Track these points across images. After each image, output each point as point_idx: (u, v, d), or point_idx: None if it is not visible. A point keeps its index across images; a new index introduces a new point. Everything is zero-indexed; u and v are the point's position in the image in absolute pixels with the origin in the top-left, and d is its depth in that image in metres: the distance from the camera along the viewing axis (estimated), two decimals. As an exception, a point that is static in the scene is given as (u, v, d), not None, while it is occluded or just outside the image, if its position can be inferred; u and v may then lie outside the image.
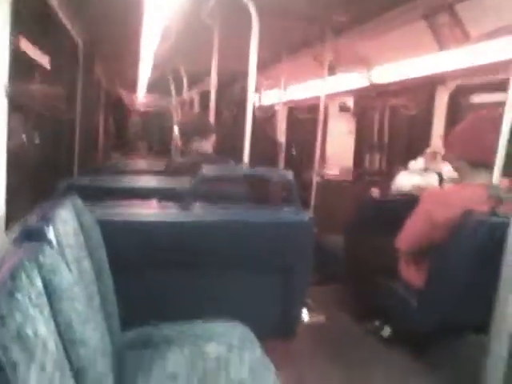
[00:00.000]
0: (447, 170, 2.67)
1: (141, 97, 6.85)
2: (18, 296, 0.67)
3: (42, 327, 0.70)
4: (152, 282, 1.53)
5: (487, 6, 2.34)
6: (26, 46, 2.58)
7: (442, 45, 2.84)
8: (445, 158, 2.62)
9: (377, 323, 2.43)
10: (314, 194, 3.41)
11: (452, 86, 3.31)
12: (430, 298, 1.89)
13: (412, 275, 2.07)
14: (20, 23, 1.95)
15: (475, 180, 1.87)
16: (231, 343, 1.35)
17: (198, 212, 1.58)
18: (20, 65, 2.36)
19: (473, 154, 1.88)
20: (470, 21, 2.55)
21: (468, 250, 1.73)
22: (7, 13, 1.50)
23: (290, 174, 1.62)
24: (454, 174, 2.53)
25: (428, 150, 3.06)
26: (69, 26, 2.96)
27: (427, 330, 1.97)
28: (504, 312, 1.23)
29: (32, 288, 0.73)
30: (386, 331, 2.36)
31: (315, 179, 3.47)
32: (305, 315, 2.72)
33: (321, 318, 2.73)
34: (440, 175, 2.51)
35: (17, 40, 2.17)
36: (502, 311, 1.25)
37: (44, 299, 0.76)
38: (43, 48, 2.99)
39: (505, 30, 2.29)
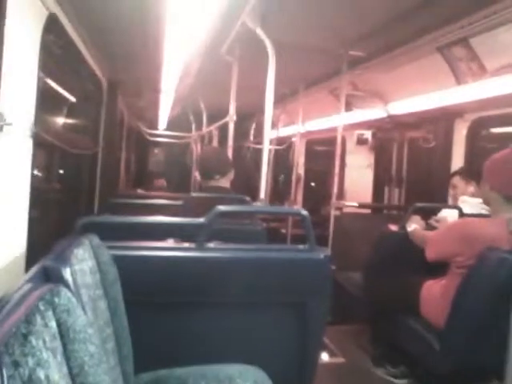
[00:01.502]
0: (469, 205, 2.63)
1: (162, 133, 7.02)
2: (32, 340, 0.68)
3: (54, 371, 0.70)
4: (166, 323, 1.52)
5: (502, 41, 2.35)
6: (54, 84, 2.71)
7: (458, 78, 2.85)
8: (477, 190, 2.59)
9: (392, 369, 2.37)
10: (331, 228, 3.38)
11: (470, 118, 3.30)
12: (450, 338, 1.83)
13: (433, 313, 2.01)
14: (49, 64, 2.05)
15: (507, 214, 1.84)
16: (245, 387, 1.32)
17: (213, 249, 1.58)
18: (47, 102, 2.46)
19: (506, 186, 1.85)
20: (486, 54, 2.56)
21: (488, 288, 1.68)
22: (36, 55, 1.58)
23: (304, 211, 1.61)
24: (476, 210, 2.49)
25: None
26: (94, 67, 3.09)
27: (448, 372, 1.89)
28: None
29: (46, 331, 0.73)
30: (403, 381, 2.30)
31: (333, 213, 3.45)
32: (324, 356, 2.65)
33: (339, 359, 2.65)
34: (460, 210, 2.46)
35: (45, 80, 2.27)
36: None
37: (58, 342, 0.77)
38: (70, 86, 3.12)
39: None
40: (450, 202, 2.97)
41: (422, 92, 3.26)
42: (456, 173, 2.96)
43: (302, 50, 3.06)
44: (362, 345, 2.77)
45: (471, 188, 2.78)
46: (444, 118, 3.44)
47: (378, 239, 2.63)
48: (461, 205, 2.61)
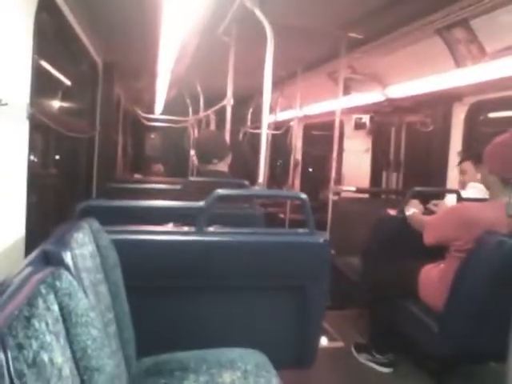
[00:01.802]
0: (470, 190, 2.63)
1: (158, 117, 6.97)
2: (35, 323, 0.68)
3: (57, 354, 0.71)
4: (166, 307, 1.53)
5: (502, 22, 2.32)
6: (49, 66, 2.67)
7: (457, 61, 2.83)
8: (477, 172, 2.59)
9: (379, 355, 2.39)
10: (330, 213, 3.38)
11: (469, 101, 3.28)
12: (449, 322, 1.85)
13: (432, 297, 2.03)
14: (43, 46, 2.01)
15: (505, 198, 1.84)
16: (247, 370, 1.33)
17: (213, 233, 1.58)
18: (42, 84, 2.43)
19: (505, 171, 1.85)
20: (486, 37, 2.53)
21: (487, 271, 1.69)
22: (30, 36, 1.55)
23: (303, 195, 1.61)
24: (474, 194, 2.50)
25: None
26: (89, 48, 3.04)
27: (447, 356, 1.92)
28: None
29: (49, 314, 0.73)
30: (387, 369, 2.33)
31: (331, 197, 3.45)
32: (323, 340, 2.67)
33: (339, 344, 2.68)
34: (459, 194, 2.47)
35: (40, 61, 2.24)
36: None
37: (60, 325, 0.77)
38: (65, 68, 3.08)
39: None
40: (458, 187, 2.97)
41: (420, 75, 3.24)
42: (466, 158, 2.93)
43: (301, 31, 3.01)
44: (362, 329, 2.80)
45: (478, 175, 2.77)
46: (442, 102, 3.42)
47: (376, 223, 2.64)
48: (469, 190, 2.61)
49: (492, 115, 3.50)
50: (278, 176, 6.63)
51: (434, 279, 2.06)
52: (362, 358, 2.45)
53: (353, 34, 3.04)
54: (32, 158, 2.12)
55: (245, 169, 5.34)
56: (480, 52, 2.63)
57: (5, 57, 1.35)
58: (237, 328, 1.59)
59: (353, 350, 2.53)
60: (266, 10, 2.21)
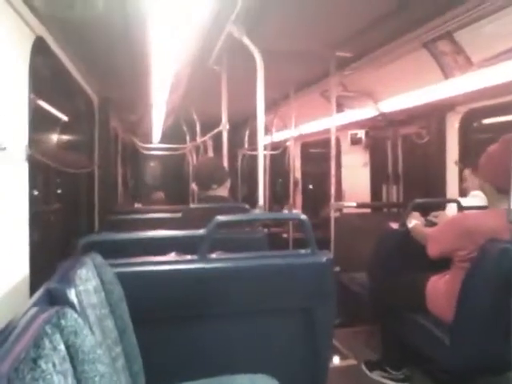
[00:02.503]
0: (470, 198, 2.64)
1: (156, 146, 7.04)
2: (42, 364, 0.68)
3: (65, 394, 0.71)
4: (174, 337, 1.52)
5: (485, 33, 2.37)
6: (46, 105, 2.72)
7: (445, 72, 2.87)
8: (471, 180, 2.60)
9: (394, 371, 2.36)
10: (333, 230, 3.38)
11: (462, 110, 3.32)
12: (460, 333, 1.83)
13: (440, 309, 2.01)
14: (40, 85, 2.06)
15: (502, 205, 1.84)
16: (257, 396, 1.32)
17: (215, 260, 1.59)
18: (40, 122, 2.47)
19: (498, 179, 1.85)
20: (471, 47, 2.58)
21: (493, 279, 1.69)
22: (26, 78, 1.59)
23: (303, 216, 1.62)
24: (476, 202, 2.51)
25: None
26: (84, 86, 3.10)
27: (460, 368, 1.89)
28: None
29: (55, 354, 0.74)
30: None
31: (333, 214, 3.46)
32: (335, 359, 2.64)
33: (351, 362, 2.65)
34: (459, 204, 2.47)
35: (37, 100, 2.28)
36: None
37: (67, 364, 0.77)
38: (62, 105, 3.13)
39: (504, 54, 2.32)
40: (459, 195, 2.96)
41: (411, 88, 3.28)
42: (464, 166, 2.94)
43: (290, 54, 3.07)
44: (373, 345, 2.76)
45: (476, 181, 2.78)
46: (435, 113, 3.46)
47: (379, 238, 2.64)
48: (471, 199, 2.62)
49: (486, 122, 3.53)
50: (278, 196, 6.65)
51: (440, 291, 2.05)
52: (376, 376, 2.41)
53: (341, 53, 3.10)
54: (33, 195, 2.15)
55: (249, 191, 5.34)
56: (467, 62, 2.68)
57: (2, 100, 1.38)
58: (246, 354, 1.58)
59: (364, 367, 2.49)
60: (254, 37, 2.27)
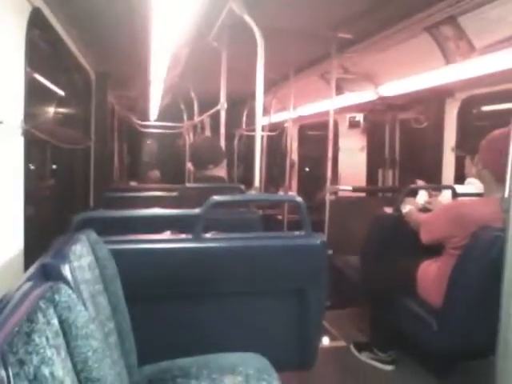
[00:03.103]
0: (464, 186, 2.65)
1: (153, 123, 6.99)
2: (35, 338, 0.69)
3: (58, 368, 0.72)
4: (167, 315, 1.54)
5: (489, 18, 2.34)
6: (42, 79, 2.69)
7: (447, 57, 2.85)
8: (471, 167, 2.60)
9: (381, 353, 2.40)
10: (327, 213, 3.40)
11: (461, 96, 3.30)
12: (447, 317, 1.86)
13: (430, 294, 2.04)
14: (36, 58, 2.03)
15: (499, 193, 1.84)
16: (248, 374, 1.35)
17: (210, 239, 1.59)
18: (36, 96, 2.45)
19: (497, 166, 1.84)
20: (474, 33, 2.55)
21: (483, 266, 1.71)
22: (22, 52, 1.56)
23: (298, 198, 1.62)
24: (469, 190, 2.52)
25: None
26: (81, 59, 3.06)
27: (446, 352, 1.93)
28: (508, 329, 1.19)
29: (49, 328, 0.75)
30: (389, 366, 2.35)
31: (328, 197, 3.47)
32: (324, 340, 2.69)
33: (340, 343, 2.69)
34: (454, 190, 2.48)
35: (33, 74, 2.25)
36: (505, 328, 1.22)
37: (61, 339, 0.78)
38: (58, 79, 3.10)
39: (507, 41, 2.29)
40: (454, 181, 2.97)
41: (412, 73, 3.26)
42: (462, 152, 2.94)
43: (291, 34, 3.03)
44: (362, 328, 2.81)
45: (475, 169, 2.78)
46: (435, 98, 3.45)
47: (373, 222, 2.66)
48: (467, 186, 2.62)
49: (485, 109, 3.52)
50: (274, 177, 6.65)
51: (431, 276, 2.07)
52: (364, 357, 2.46)
53: (343, 35, 3.06)
54: (28, 170, 2.14)
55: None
56: (469, 48, 2.65)
57: (-2, 74, 1.36)
58: (237, 332, 1.61)
59: (352, 348, 2.54)
60: (255, 15, 2.23)
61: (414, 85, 3.28)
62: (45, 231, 2.27)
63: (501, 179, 1.82)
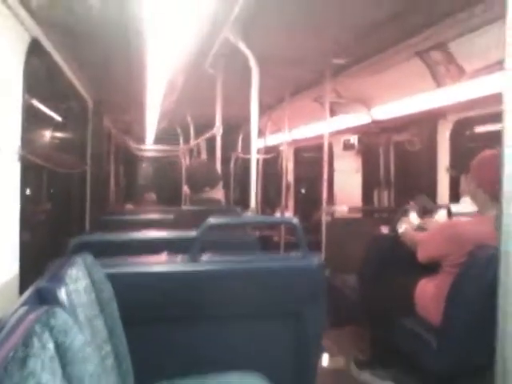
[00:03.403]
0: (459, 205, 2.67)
1: (149, 147, 7.04)
2: (31, 363, 0.68)
3: (54, 393, 0.71)
4: (164, 337, 1.53)
5: (478, 44, 2.41)
6: (40, 105, 2.72)
7: (438, 81, 2.91)
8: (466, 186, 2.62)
9: (381, 371, 2.38)
10: (324, 234, 3.41)
11: (453, 118, 3.36)
12: (447, 336, 1.86)
13: (428, 312, 2.04)
14: (34, 85, 2.06)
15: (493, 211, 1.85)
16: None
17: (206, 261, 1.59)
18: (33, 122, 2.47)
19: (490, 185, 1.87)
20: (464, 57, 2.62)
21: (480, 285, 1.71)
22: (20, 80, 1.59)
23: (294, 220, 1.63)
24: (464, 209, 2.53)
25: None
26: (79, 87, 3.10)
27: (447, 370, 1.91)
28: (505, 347, 1.19)
29: (44, 353, 0.74)
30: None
31: (324, 218, 3.48)
32: (324, 359, 2.66)
33: (340, 362, 2.66)
34: (449, 210, 2.51)
35: (31, 100, 2.28)
36: (503, 346, 1.21)
37: (56, 363, 0.77)
38: (55, 105, 3.13)
39: (496, 65, 2.35)
40: (449, 201, 2.98)
41: (403, 96, 3.32)
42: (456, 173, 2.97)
43: (285, 60, 3.10)
44: (362, 347, 2.79)
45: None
46: (427, 120, 3.50)
47: (370, 242, 2.66)
48: (462, 205, 2.64)
49: (477, 130, 3.57)
50: (271, 199, 6.66)
51: (429, 295, 2.07)
52: (365, 375, 2.43)
53: (336, 60, 3.13)
54: (24, 195, 2.14)
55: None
56: (459, 72, 2.72)
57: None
58: (235, 354, 1.59)
59: (353, 366, 2.50)
60: (250, 42, 2.29)
61: (407, 107, 3.34)
62: (41, 255, 2.26)
63: (494, 198, 1.85)
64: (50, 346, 0.77)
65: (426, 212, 2.68)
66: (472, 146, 3.53)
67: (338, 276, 3.17)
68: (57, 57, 2.32)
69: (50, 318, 0.80)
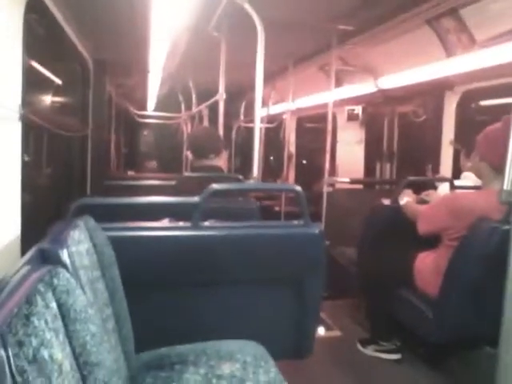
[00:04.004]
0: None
1: (151, 113, 6.95)
2: (34, 320, 0.69)
3: (57, 351, 0.72)
4: (164, 302, 1.54)
5: (491, 11, 2.33)
6: (39, 66, 2.66)
7: (448, 50, 2.84)
8: (470, 160, 2.60)
9: (385, 343, 2.41)
10: (325, 205, 3.40)
11: (460, 90, 3.30)
12: (443, 307, 1.87)
13: (427, 285, 2.05)
14: (34, 45, 2.01)
15: (497, 185, 1.84)
16: (246, 361, 1.35)
17: (208, 228, 1.59)
18: (33, 84, 2.42)
19: (496, 158, 1.85)
20: (475, 26, 2.55)
21: (480, 257, 1.72)
22: (20, 37, 1.55)
23: (298, 187, 1.62)
24: (466, 182, 2.52)
25: None
26: (79, 47, 3.03)
27: (443, 341, 1.94)
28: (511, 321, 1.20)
29: (47, 311, 0.74)
30: (396, 355, 2.35)
31: (326, 189, 3.47)
32: (320, 329, 2.70)
33: (336, 333, 2.71)
34: (451, 183, 2.49)
35: (30, 61, 2.23)
36: (509, 320, 1.23)
37: (59, 322, 0.78)
38: (55, 67, 3.07)
39: (509, 34, 2.29)
40: (452, 174, 2.97)
41: (411, 65, 3.25)
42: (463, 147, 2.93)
43: (291, 25, 3.01)
44: (358, 318, 2.83)
45: (469, 163, 2.78)
46: (434, 92, 3.44)
47: (370, 213, 2.66)
48: (463, 180, 2.63)
49: (484, 103, 3.52)
50: (272, 169, 6.64)
51: (428, 267, 2.08)
52: (369, 350, 2.46)
53: (343, 26, 3.04)
54: (25, 157, 2.13)
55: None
56: (470, 41, 2.65)
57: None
58: (235, 320, 1.61)
59: (358, 345, 2.53)
60: (256, 5, 2.21)
61: (414, 77, 3.27)
62: (42, 218, 2.26)
63: (499, 171, 1.83)
64: (53, 305, 0.78)
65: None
66: (478, 119, 3.49)
67: (336, 248, 3.18)
68: (57, 14, 2.25)
69: (53, 278, 0.80)
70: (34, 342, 0.66)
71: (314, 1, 2.62)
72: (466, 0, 2.32)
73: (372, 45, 3.28)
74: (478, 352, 1.98)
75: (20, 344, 0.62)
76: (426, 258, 2.14)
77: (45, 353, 0.67)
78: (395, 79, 3.55)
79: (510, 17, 2.26)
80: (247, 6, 2.19)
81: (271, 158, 6.92)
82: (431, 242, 2.13)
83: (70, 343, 0.79)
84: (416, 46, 3.05)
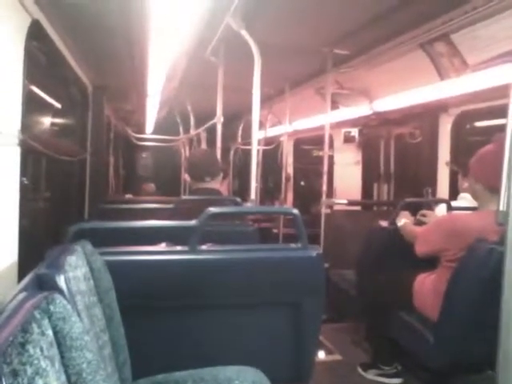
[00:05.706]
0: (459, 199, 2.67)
1: (149, 136, 7.00)
2: (30, 348, 0.68)
3: (52, 379, 0.71)
4: (162, 327, 1.52)
5: (482, 36, 2.39)
6: (39, 91, 2.69)
7: (441, 73, 2.89)
8: (465, 181, 2.61)
9: (386, 367, 2.38)
10: (323, 227, 3.40)
11: (455, 112, 3.34)
12: (444, 331, 1.85)
13: (426, 307, 2.04)
14: (34, 70, 2.04)
15: (493, 206, 1.85)
16: (244, 388, 1.33)
17: (206, 251, 1.59)
18: (33, 108, 2.45)
19: (490, 179, 1.86)
20: (467, 50, 2.60)
21: (479, 279, 1.71)
22: (21, 63, 1.57)
23: (295, 210, 1.62)
24: (464, 204, 2.53)
25: None
26: (79, 72, 3.07)
27: (442, 365, 1.91)
28: (508, 341, 1.19)
29: (43, 339, 0.73)
30: (397, 380, 2.32)
31: (324, 211, 3.47)
32: (320, 353, 2.66)
33: (336, 357, 2.67)
34: (448, 204, 2.50)
35: (30, 85, 2.26)
36: (505, 343, 1.21)
37: (55, 350, 0.77)
38: (55, 92, 3.11)
39: (499, 58, 2.34)
40: (449, 195, 2.98)
41: (406, 88, 3.30)
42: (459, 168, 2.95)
43: (287, 49, 3.07)
44: (358, 341, 2.79)
45: (466, 184, 2.80)
46: (429, 113, 3.48)
47: (368, 235, 2.66)
48: (460, 201, 2.64)
49: (478, 124, 3.56)
50: (270, 191, 6.65)
51: (427, 289, 2.07)
52: (371, 375, 2.42)
53: (338, 51, 3.10)
54: (24, 180, 2.13)
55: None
56: (462, 64, 2.70)
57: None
58: (233, 345, 1.59)
59: (359, 369, 2.49)
60: (252, 30, 2.26)
61: (409, 100, 3.32)
62: (39, 243, 2.26)
63: (494, 192, 1.84)
64: (49, 332, 0.77)
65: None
66: (473, 141, 3.52)
67: (335, 271, 3.17)
68: (57, 40, 2.29)
69: (50, 305, 0.80)
70: (29, 370, 0.65)
71: (309, 26, 2.67)
72: (457, 25, 2.38)
73: (367, 68, 3.33)
74: (479, 376, 1.95)
75: (15, 374, 0.61)
76: (425, 280, 2.13)
77: (40, 382, 0.66)
78: (390, 102, 3.60)
79: (500, 41, 2.31)
80: (244, 33, 2.24)
81: (269, 179, 6.94)
82: (430, 263, 2.12)
83: (66, 371, 0.78)
84: (410, 69, 3.10)
